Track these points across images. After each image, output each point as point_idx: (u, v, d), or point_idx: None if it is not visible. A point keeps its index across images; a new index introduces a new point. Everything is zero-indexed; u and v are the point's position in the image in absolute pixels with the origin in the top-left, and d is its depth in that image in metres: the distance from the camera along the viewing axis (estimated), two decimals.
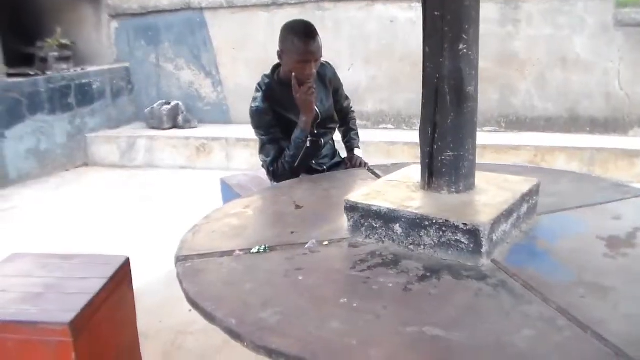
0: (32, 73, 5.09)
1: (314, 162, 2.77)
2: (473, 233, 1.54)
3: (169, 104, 5.74)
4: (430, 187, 1.79)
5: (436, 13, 1.66)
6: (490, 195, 1.75)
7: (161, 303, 2.92)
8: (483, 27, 4.61)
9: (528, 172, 2.38)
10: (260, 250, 1.76)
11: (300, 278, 1.58)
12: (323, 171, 2.75)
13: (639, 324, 1.26)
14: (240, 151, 5.36)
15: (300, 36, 2.42)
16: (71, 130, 5.38)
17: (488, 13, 4.82)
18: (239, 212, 2.15)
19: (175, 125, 5.72)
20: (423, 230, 1.63)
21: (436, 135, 1.74)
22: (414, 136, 4.81)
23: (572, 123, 4.92)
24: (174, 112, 5.70)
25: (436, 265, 1.58)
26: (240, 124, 5.83)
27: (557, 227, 1.84)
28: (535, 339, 1.23)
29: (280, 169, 2.56)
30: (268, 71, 2.67)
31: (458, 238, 1.58)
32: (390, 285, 1.50)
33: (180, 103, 5.81)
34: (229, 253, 1.76)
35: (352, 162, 2.84)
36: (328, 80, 2.74)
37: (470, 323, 1.30)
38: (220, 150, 5.41)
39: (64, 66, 5.40)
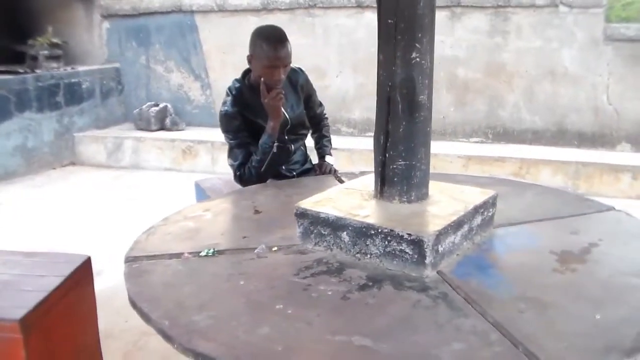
0: (21, 71, 5.09)
1: (283, 167, 2.75)
2: (417, 243, 1.52)
3: (157, 105, 5.73)
4: (383, 196, 1.77)
5: (390, 21, 1.64)
6: (441, 205, 1.73)
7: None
8: (472, 38, 4.63)
9: (495, 183, 2.37)
10: (209, 254, 1.74)
11: (242, 283, 1.56)
12: (292, 177, 2.74)
13: (572, 341, 1.23)
14: (226, 155, 5.33)
15: (269, 41, 2.41)
16: (59, 128, 5.37)
17: (477, 23, 4.82)
18: (197, 215, 2.13)
19: (162, 127, 5.71)
20: (369, 239, 1.61)
21: (388, 144, 1.72)
22: None
23: (560, 136, 4.89)
24: (162, 114, 5.69)
25: (380, 275, 1.56)
26: None
27: (511, 240, 1.82)
28: (463, 353, 1.20)
29: (247, 173, 2.54)
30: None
31: (402, 248, 1.55)
32: (330, 293, 1.48)
33: (169, 105, 5.80)
34: (178, 255, 1.74)
35: (321, 169, 2.82)
36: (300, 86, 2.72)
37: (400, 334, 1.28)
38: (206, 153, 5.40)
39: (54, 65, 5.40)
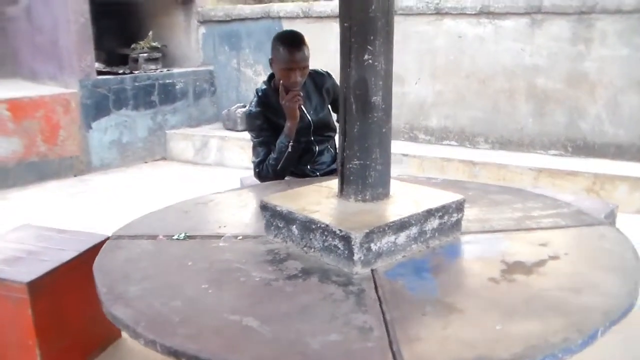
0: (119, 72, 5.63)
1: (308, 167, 2.85)
2: (346, 240, 1.56)
3: (244, 106, 6.03)
4: (342, 194, 1.82)
5: (345, 24, 1.70)
6: (394, 206, 1.74)
7: None
8: (553, 45, 4.45)
9: (503, 192, 2.32)
10: (180, 238, 1.89)
11: (189, 264, 1.69)
12: (315, 177, 2.82)
13: (447, 347, 1.22)
14: None
15: (286, 45, 2.53)
16: (152, 125, 5.85)
17: (559, 30, 4.59)
18: (200, 203, 2.30)
19: None
20: (312, 234, 1.67)
21: (345, 144, 1.77)
22: (473, 154, 4.71)
23: None
24: None
25: (314, 268, 1.62)
26: None
27: (471, 247, 1.79)
28: (334, 344, 1.24)
29: (264, 170, 2.67)
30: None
31: (336, 243, 1.60)
32: (257, 279, 1.57)
33: None
34: (154, 237, 1.91)
35: None
36: (325, 89, 2.80)
37: (290, 321, 1.34)
38: None
39: (152, 67, 5.90)
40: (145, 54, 5.85)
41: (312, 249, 1.69)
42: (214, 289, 1.52)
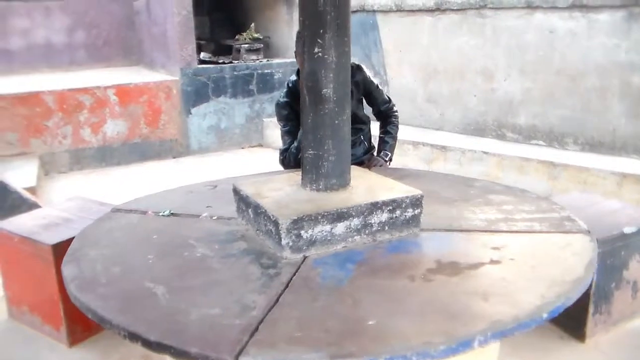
0: (220, 61, 6.02)
1: None
2: (276, 225, 1.64)
3: None
4: (302, 183, 1.89)
5: (301, 18, 1.76)
6: (341, 198, 1.78)
7: None
8: None
9: (507, 193, 2.25)
10: (165, 214, 2.08)
11: (155, 237, 1.88)
12: None
13: (305, 333, 1.28)
14: None
15: None
16: (250, 113, 6.18)
17: None
18: (209, 185, 2.48)
19: None
20: (260, 218, 1.77)
21: (302, 134, 1.84)
22: (555, 155, 4.45)
23: None
24: None
25: (255, 250, 1.73)
26: (402, 124, 5.96)
27: (418, 244, 1.78)
28: (208, 316, 1.36)
29: (287, 159, 2.79)
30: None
31: (271, 228, 1.69)
32: (198, 255, 1.71)
33: None
34: (144, 212, 2.12)
35: (369, 163, 2.90)
36: (354, 82, 2.82)
37: (192, 293, 1.48)
38: None
39: (253, 57, 6.21)
40: (246, 45, 6.18)
41: (261, 232, 1.79)
42: (156, 260, 1.68)
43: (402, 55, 5.84)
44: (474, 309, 1.36)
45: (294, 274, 1.55)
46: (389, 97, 3.01)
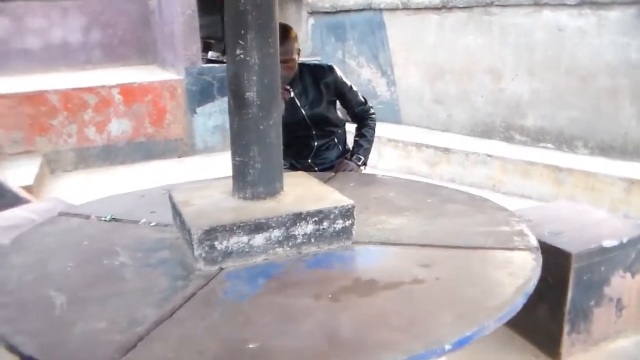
0: (225, 60, 6.00)
1: (309, 161, 2.86)
2: (190, 235, 1.59)
3: None
4: (232, 191, 1.83)
5: (225, 18, 1.70)
6: (267, 207, 1.71)
7: None
8: None
9: (468, 202, 2.15)
10: (106, 219, 2.06)
11: (85, 243, 1.85)
12: (314, 170, 2.82)
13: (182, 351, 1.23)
14: (391, 151, 5.44)
15: None
16: None
17: None
18: (163, 192, 2.44)
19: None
20: (183, 226, 1.73)
21: (230, 140, 1.78)
22: (561, 159, 4.28)
23: None
24: None
25: (175, 260, 1.68)
26: (409, 125, 5.88)
27: (345, 259, 1.69)
28: (92, 331, 1.31)
29: None
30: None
31: (187, 238, 1.64)
32: (116, 264, 1.68)
33: None
34: (88, 217, 2.10)
35: (339, 167, 2.82)
36: (323, 83, 2.76)
37: (89, 303, 1.44)
38: (373, 148, 5.55)
39: None
40: None
41: (185, 242, 1.74)
42: (74, 268, 1.66)
43: (408, 54, 5.72)
44: (368, 336, 1.27)
45: (201, 288, 1.50)
46: (364, 99, 2.92)
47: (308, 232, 1.69)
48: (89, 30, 6.86)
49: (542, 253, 1.70)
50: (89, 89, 5.20)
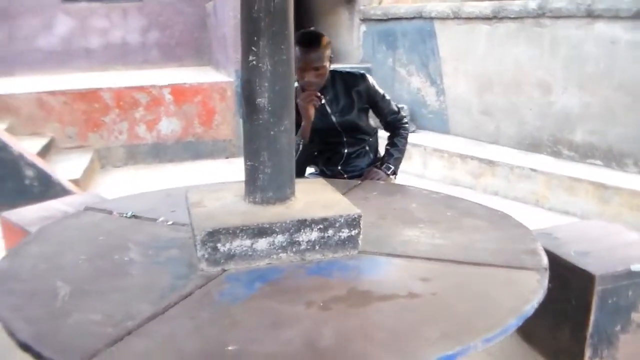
0: None
1: (339, 168, 2.86)
2: (195, 236, 1.63)
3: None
4: (244, 195, 1.86)
5: (240, 25, 1.73)
6: (274, 212, 1.73)
7: None
8: None
9: (487, 217, 2.11)
10: (127, 216, 2.14)
11: (101, 238, 1.92)
12: (343, 177, 2.83)
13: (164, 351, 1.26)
14: (436, 161, 5.38)
15: (300, 44, 2.57)
16: None
17: None
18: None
19: None
20: (192, 227, 1.77)
21: (243, 145, 1.81)
22: (609, 177, 4.13)
23: None
24: None
25: (183, 259, 1.73)
26: (458, 135, 5.80)
27: (347, 268, 1.68)
28: (85, 323, 1.37)
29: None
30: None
31: (193, 238, 1.68)
32: (126, 259, 1.74)
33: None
34: (110, 212, 2.18)
35: (367, 174, 2.81)
36: (355, 91, 2.76)
37: (90, 297, 1.51)
38: (419, 157, 5.52)
39: None
40: None
41: (194, 242, 1.78)
42: (86, 261, 1.73)
43: (458, 63, 5.65)
44: (349, 348, 1.27)
45: (199, 288, 1.53)
46: (398, 108, 2.91)
47: (312, 239, 1.70)
48: (148, 31, 7.11)
49: (566, 273, 1.64)
50: (141, 88, 5.38)
